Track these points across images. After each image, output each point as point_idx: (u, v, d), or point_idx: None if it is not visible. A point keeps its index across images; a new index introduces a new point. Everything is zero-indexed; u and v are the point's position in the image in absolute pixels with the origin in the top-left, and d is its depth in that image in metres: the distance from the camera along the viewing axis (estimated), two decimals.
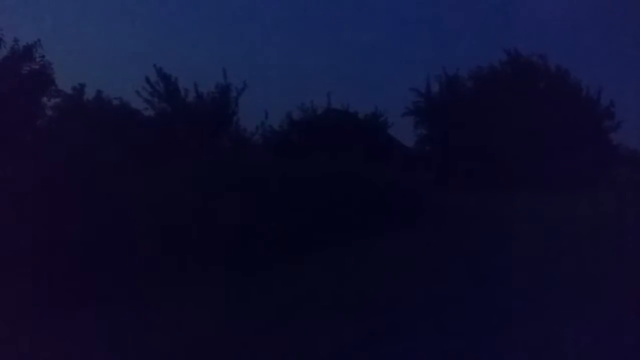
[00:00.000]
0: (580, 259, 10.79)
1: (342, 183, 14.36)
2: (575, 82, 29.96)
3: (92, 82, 29.38)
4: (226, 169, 13.73)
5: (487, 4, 46.21)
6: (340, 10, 46.41)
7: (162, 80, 23.46)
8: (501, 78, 30.05)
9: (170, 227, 10.45)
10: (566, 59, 30.15)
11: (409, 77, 52.07)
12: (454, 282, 9.47)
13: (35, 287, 7.57)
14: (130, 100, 24.17)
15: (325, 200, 13.25)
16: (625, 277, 9.11)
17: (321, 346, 6.48)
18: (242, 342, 6.69)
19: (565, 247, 12.04)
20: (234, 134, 24.66)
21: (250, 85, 24.17)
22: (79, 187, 10.64)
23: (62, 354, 6.25)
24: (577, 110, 28.52)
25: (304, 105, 27.86)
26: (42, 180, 10.38)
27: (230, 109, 24.08)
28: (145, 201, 11.15)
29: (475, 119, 28.03)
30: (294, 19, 47.30)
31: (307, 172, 14.26)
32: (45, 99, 20.85)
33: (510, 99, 27.72)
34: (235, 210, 11.43)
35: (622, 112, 29.90)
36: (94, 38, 43.58)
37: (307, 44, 47.24)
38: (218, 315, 7.66)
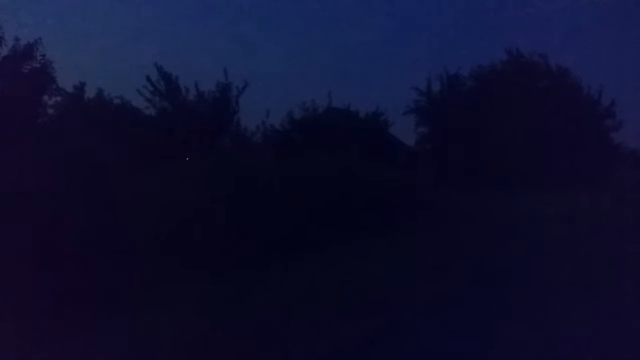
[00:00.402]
0: (580, 258, 10.80)
1: (341, 182, 14.37)
2: (576, 82, 29.99)
3: (93, 81, 29.47)
4: (226, 168, 13.74)
5: (488, 4, 46.21)
6: (341, 10, 46.49)
7: (163, 79, 23.51)
8: (502, 77, 30.08)
9: (170, 227, 10.46)
10: (567, 59, 30.19)
11: (410, 76, 52.13)
12: (455, 281, 9.47)
13: (35, 286, 7.57)
14: (131, 99, 24.27)
15: (324, 200, 13.26)
16: (625, 277, 9.13)
17: (321, 346, 6.49)
18: (241, 342, 6.70)
19: (565, 247, 12.05)
20: (235, 132, 24.69)
21: (251, 84, 24.25)
22: (79, 186, 10.64)
23: (62, 354, 6.26)
24: (578, 109, 28.54)
25: (305, 104, 27.97)
26: (43, 179, 10.38)
27: (231, 107, 24.11)
28: (145, 200, 11.16)
29: (476, 118, 28.05)
30: (295, 18, 47.39)
31: (307, 172, 14.27)
32: (46, 98, 20.84)
33: (511, 98, 27.75)
34: (234, 209, 11.44)
35: (623, 112, 29.95)
36: (95, 37, 43.62)
37: (308, 43, 47.36)
38: (216, 316, 7.66)
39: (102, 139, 15.63)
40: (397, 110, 31.40)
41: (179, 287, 8.65)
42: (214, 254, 9.89)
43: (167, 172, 13.54)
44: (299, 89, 46.86)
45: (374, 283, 9.38)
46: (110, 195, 10.86)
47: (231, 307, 8.03)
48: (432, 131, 31.47)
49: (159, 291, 8.40)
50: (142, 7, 44.98)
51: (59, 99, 21.83)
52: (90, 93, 24.33)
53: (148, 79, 23.28)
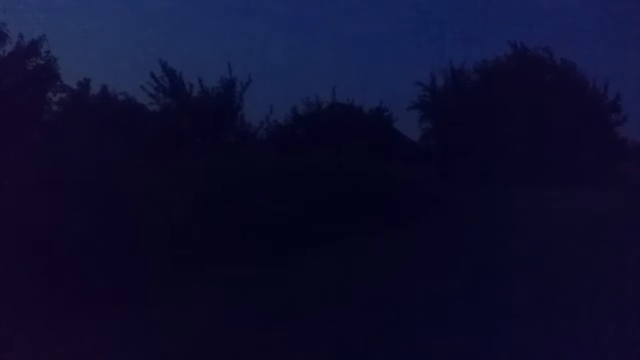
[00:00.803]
0: (585, 255, 10.75)
1: (343, 177, 14.36)
2: (581, 76, 29.77)
3: (97, 77, 29.48)
4: (229, 165, 13.76)
5: None
6: (345, 4, 46.25)
7: (167, 75, 23.50)
8: (507, 71, 29.90)
9: (174, 223, 10.48)
10: (572, 52, 29.98)
11: (414, 71, 51.85)
12: (460, 277, 9.45)
13: (35, 285, 7.59)
14: (136, 95, 24.27)
15: (325, 195, 13.25)
16: (631, 276, 9.09)
17: (324, 342, 6.49)
18: (243, 339, 6.71)
19: (570, 244, 11.99)
20: (239, 128, 24.68)
21: (255, 79, 24.17)
22: (83, 182, 10.67)
23: (62, 354, 6.28)
24: (582, 103, 28.36)
25: (309, 99, 27.88)
26: (47, 175, 10.42)
27: (235, 103, 24.08)
28: (149, 197, 11.19)
29: (481, 112, 27.93)
30: (299, 12, 47.18)
31: (309, 167, 14.26)
32: (50, 94, 20.89)
33: (516, 93, 27.60)
34: (237, 206, 11.46)
35: (629, 106, 29.73)
36: (99, 33, 43.60)
37: (312, 38, 47.13)
38: (217, 313, 7.68)
39: (107, 135, 15.67)
40: (402, 106, 31.25)
41: (180, 284, 8.68)
42: (216, 249, 9.91)
43: (170, 168, 13.56)
44: (302, 85, 46.69)
45: (378, 278, 9.38)
46: (115, 191, 10.89)
47: (232, 303, 8.06)
48: (437, 126, 31.35)
49: (162, 288, 8.42)
50: (146, 2, 44.89)
51: (63, 95, 21.91)
52: (94, 89, 24.38)
53: (152, 75, 23.31)
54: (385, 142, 25.25)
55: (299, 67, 41.50)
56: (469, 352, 6.12)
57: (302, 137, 25.49)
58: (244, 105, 24.14)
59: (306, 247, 11.09)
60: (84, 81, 23.91)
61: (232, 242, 10.38)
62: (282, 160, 15.69)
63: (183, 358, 6.26)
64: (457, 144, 28.16)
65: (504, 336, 6.42)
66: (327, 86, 28.35)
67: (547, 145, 26.01)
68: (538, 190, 19.70)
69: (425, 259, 10.92)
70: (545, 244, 11.95)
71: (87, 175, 10.96)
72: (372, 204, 14.01)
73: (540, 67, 29.70)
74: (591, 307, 7.41)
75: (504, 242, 12.21)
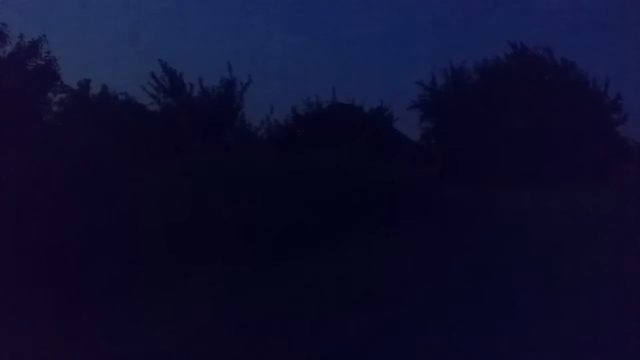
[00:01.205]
0: (584, 255, 10.74)
1: (344, 178, 14.35)
2: (582, 75, 29.76)
3: (98, 78, 29.50)
4: (229, 165, 13.76)
5: None
6: (345, 4, 46.32)
7: (167, 75, 23.55)
8: (507, 71, 29.89)
9: (173, 223, 10.48)
10: (572, 52, 29.98)
11: (414, 70, 51.93)
12: (460, 278, 9.45)
13: (34, 285, 7.59)
14: (136, 96, 24.29)
15: (327, 195, 13.25)
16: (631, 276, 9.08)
17: (324, 342, 6.49)
18: (243, 339, 6.70)
19: (570, 244, 11.97)
20: (239, 128, 24.70)
21: (255, 79, 24.24)
22: (83, 182, 10.67)
23: (62, 353, 6.28)
24: (583, 103, 28.34)
25: (309, 99, 27.91)
26: (47, 175, 10.41)
27: (235, 103, 24.14)
28: (149, 196, 11.19)
29: (481, 112, 27.94)
30: (299, 12, 47.23)
31: (309, 167, 14.25)
32: (50, 95, 20.91)
33: (516, 92, 27.60)
34: (237, 205, 11.46)
35: (629, 105, 29.71)
36: (99, 33, 43.65)
37: (312, 38, 47.21)
38: (218, 311, 7.68)
39: (107, 135, 15.66)
40: (402, 105, 31.27)
41: (179, 284, 8.68)
42: (215, 249, 9.91)
43: (171, 167, 13.57)
44: (303, 85, 46.74)
45: (378, 279, 9.38)
46: (114, 191, 10.89)
47: (233, 302, 8.05)
48: (437, 126, 31.34)
49: (162, 286, 8.43)
50: (146, 2, 44.96)
51: (63, 95, 21.93)
52: (94, 90, 24.40)
53: (152, 75, 23.34)
54: (386, 142, 25.24)
55: (299, 67, 41.56)
56: (469, 352, 6.12)
57: (302, 137, 25.50)
58: (244, 105, 24.22)
59: (306, 247, 11.07)
60: (84, 81, 23.97)
61: (231, 242, 10.37)
62: (282, 160, 15.68)
63: (183, 358, 6.26)
64: (458, 144, 28.15)
65: (504, 336, 6.41)
66: (327, 86, 28.39)
67: (547, 145, 26.00)
68: (538, 189, 19.70)
69: (425, 259, 10.91)
70: (546, 243, 11.93)
71: (87, 174, 10.95)
72: (372, 203, 13.99)
73: (540, 67, 29.69)
74: (593, 307, 7.41)
75: (504, 242, 12.20)
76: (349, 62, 44.54)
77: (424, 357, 6.10)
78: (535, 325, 6.65)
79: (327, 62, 43.79)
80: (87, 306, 7.32)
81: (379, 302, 8.05)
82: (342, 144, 17.48)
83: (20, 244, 8.32)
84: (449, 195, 18.24)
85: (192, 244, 9.94)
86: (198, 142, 21.64)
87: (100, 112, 21.61)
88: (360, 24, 48.06)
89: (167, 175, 12.65)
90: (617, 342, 6.20)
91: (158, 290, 8.30)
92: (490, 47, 37.57)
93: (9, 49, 19.06)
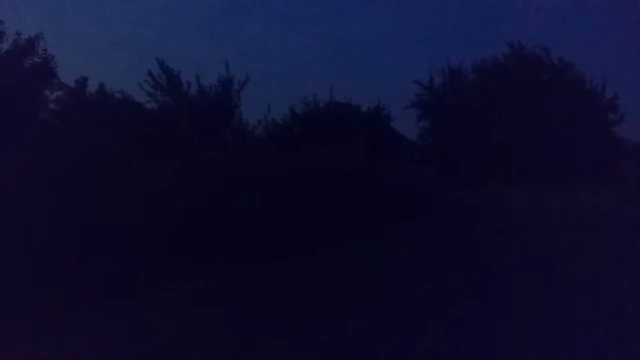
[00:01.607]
0: (582, 253, 10.75)
1: (343, 177, 14.34)
2: (579, 75, 29.82)
3: (95, 76, 29.45)
4: (228, 164, 13.74)
5: None
6: (343, 3, 46.30)
7: (164, 74, 23.48)
8: (504, 71, 29.95)
9: (172, 221, 10.46)
10: (570, 52, 30.02)
11: (412, 69, 52.01)
12: (460, 277, 9.44)
13: (35, 284, 7.56)
14: (133, 94, 24.23)
15: (325, 195, 13.24)
16: (626, 272, 9.09)
17: (324, 342, 6.48)
18: (243, 338, 6.69)
19: (570, 244, 11.98)
20: (237, 127, 24.66)
21: (253, 78, 24.20)
22: (82, 181, 10.65)
23: (62, 352, 6.26)
24: (580, 102, 28.40)
25: (306, 98, 27.89)
26: (44, 173, 10.38)
27: (232, 102, 24.09)
28: (147, 195, 11.17)
29: (478, 111, 27.99)
30: (297, 11, 47.21)
31: (308, 166, 14.24)
32: (47, 92, 20.87)
33: (513, 92, 27.64)
34: (236, 205, 11.45)
35: (626, 105, 29.77)
36: (97, 31, 43.57)
37: (310, 36, 47.21)
38: (217, 310, 7.67)
39: (104, 133, 15.63)
40: (399, 104, 31.29)
41: (179, 283, 8.66)
42: (214, 248, 9.90)
43: (168, 166, 13.53)
44: (300, 83, 46.75)
45: (379, 278, 9.37)
46: (111, 189, 10.87)
47: (232, 302, 8.04)
48: (434, 125, 31.37)
49: (162, 286, 8.41)
50: (144, 1, 44.84)
51: (60, 93, 21.88)
52: (91, 87, 24.35)
53: (150, 73, 23.28)
54: (383, 141, 25.25)
55: (296, 66, 41.56)
56: (469, 351, 6.11)
57: (299, 136, 25.49)
58: (242, 103, 24.19)
59: (305, 246, 11.07)
60: (81, 79, 23.92)
61: (231, 241, 10.36)
62: (281, 159, 15.66)
63: (183, 357, 6.24)
64: (456, 143, 28.19)
65: (504, 336, 6.41)
66: (325, 85, 28.40)
67: (545, 144, 26.05)
68: (537, 188, 19.72)
69: (425, 258, 10.91)
70: (545, 243, 11.94)
71: (86, 173, 10.92)
72: (371, 203, 13.99)
73: (537, 67, 29.75)
74: (593, 307, 7.41)
75: (504, 242, 12.21)
76: (347, 61, 44.61)
77: (424, 357, 6.09)
78: (535, 325, 6.65)
79: (324, 61, 43.82)
80: (87, 306, 7.29)
81: (379, 301, 8.04)
82: (339, 143, 17.49)
83: (20, 243, 8.28)
84: (448, 195, 18.25)
85: (192, 244, 9.92)
86: (195, 141, 21.59)
87: (97, 110, 21.56)
88: (358, 22, 48.08)
89: (167, 175, 12.61)
90: (617, 342, 6.20)
91: (158, 289, 8.28)
92: (488, 46, 37.65)
93: (5, 46, 19.04)
